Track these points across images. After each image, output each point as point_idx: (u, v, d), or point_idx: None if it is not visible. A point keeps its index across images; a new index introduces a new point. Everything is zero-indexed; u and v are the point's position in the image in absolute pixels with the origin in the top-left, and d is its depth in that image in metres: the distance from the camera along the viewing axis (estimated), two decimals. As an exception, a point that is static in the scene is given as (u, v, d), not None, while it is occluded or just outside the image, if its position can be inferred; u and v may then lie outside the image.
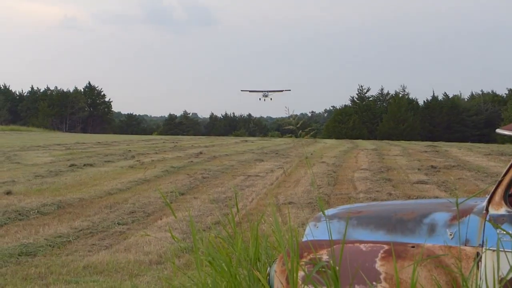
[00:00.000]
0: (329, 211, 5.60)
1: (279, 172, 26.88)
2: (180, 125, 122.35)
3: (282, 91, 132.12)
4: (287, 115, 5.64)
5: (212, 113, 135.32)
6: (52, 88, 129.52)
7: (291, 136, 5.99)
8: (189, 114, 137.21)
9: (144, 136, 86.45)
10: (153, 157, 36.33)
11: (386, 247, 4.78)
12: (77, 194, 18.62)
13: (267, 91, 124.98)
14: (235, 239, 5.58)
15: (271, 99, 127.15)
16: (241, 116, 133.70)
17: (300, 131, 5.57)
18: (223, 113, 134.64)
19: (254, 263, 5.28)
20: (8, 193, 18.41)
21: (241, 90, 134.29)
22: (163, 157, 36.52)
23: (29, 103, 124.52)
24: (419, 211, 5.15)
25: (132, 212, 15.71)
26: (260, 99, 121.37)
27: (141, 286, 8.72)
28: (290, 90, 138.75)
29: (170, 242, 11.63)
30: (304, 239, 5.47)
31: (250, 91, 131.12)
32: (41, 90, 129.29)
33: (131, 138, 69.28)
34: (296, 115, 5.90)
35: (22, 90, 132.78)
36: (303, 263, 4.72)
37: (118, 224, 14.15)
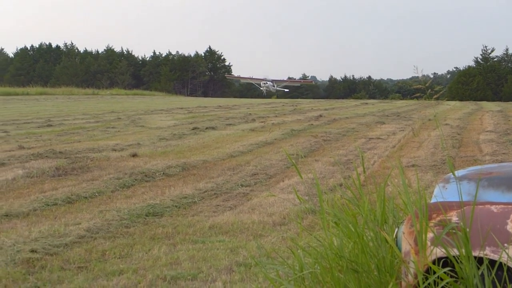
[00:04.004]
0: (459, 172, 5.48)
1: (401, 135, 26.54)
2: (299, 88, 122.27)
3: (300, 81, 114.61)
4: (415, 75, 5.52)
5: (331, 76, 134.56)
6: (173, 52, 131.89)
7: (418, 96, 5.87)
8: (308, 77, 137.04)
9: (264, 99, 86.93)
10: (273, 120, 36.54)
11: (518, 208, 4.63)
12: (200, 156, 18.95)
13: (271, 80, 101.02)
14: (361, 201, 5.54)
15: (286, 89, 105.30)
16: (360, 78, 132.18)
17: (429, 90, 5.44)
18: (343, 76, 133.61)
19: (381, 225, 5.24)
20: (134, 155, 18.90)
21: (226, 75, 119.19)
22: (283, 120, 36.68)
23: (151, 68, 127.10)
24: (553, 172, 4.97)
25: (254, 174, 15.85)
26: (262, 88, 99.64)
27: (266, 246, 8.80)
28: (312, 82, 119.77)
29: (293, 203, 11.69)
30: (433, 200, 5.39)
31: (241, 78, 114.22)
32: (163, 55, 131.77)
33: (251, 102, 69.83)
34: (424, 75, 5.76)
35: (144, 55, 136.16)
36: (432, 224, 4.64)
37: (241, 185, 14.31)
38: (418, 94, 5.77)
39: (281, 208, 11.57)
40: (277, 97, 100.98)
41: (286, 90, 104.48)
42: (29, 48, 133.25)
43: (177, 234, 9.88)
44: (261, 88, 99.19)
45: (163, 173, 15.70)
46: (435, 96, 5.46)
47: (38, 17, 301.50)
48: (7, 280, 7.47)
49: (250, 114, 42.17)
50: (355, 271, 4.96)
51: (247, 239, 9.49)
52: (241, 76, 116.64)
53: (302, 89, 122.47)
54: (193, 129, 28.45)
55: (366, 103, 66.55)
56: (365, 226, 5.26)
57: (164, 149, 20.78)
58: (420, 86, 5.47)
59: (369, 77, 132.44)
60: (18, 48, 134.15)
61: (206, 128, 29.40)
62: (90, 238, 9.53)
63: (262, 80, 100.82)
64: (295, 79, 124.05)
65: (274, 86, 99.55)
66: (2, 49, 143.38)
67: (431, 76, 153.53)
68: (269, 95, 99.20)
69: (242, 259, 8.34)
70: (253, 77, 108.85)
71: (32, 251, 8.56)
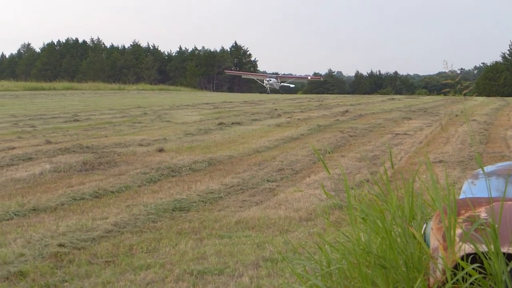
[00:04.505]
0: (487, 168, 5.45)
1: (428, 130, 26.39)
2: (325, 84, 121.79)
3: (307, 77, 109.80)
4: (442, 70, 5.45)
5: (358, 71, 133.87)
6: (199, 48, 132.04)
7: (447, 92, 5.84)
8: (334, 72, 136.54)
9: (290, 95, 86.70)
10: (299, 115, 36.51)
11: (548, 205, 4.58)
12: (226, 151, 18.97)
13: (275, 77, 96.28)
14: (389, 196, 5.52)
15: (292, 85, 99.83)
16: (387, 74, 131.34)
17: (459, 85, 5.41)
18: (369, 71, 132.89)
19: (409, 221, 5.21)
20: (161, 150, 18.97)
21: (226, 71, 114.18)
22: (308, 115, 36.63)
23: (177, 63, 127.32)
24: None
25: (280, 170, 15.84)
26: (265, 85, 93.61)
27: (293, 242, 8.80)
28: (320, 78, 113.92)
29: (320, 199, 11.67)
30: (461, 196, 5.35)
31: (242, 73, 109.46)
32: (189, 50, 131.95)
33: (277, 97, 69.78)
34: (452, 70, 5.72)
35: (170, 51, 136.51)
36: (460, 220, 4.60)
37: (267, 181, 14.31)
38: (446, 90, 5.74)
39: (308, 204, 11.56)
40: (302, 93, 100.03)
41: (291, 85, 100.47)
42: (56, 43, 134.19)
43: (204, 229, 9.90)
44: (265, 85, 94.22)
45: (190, 168, 15.74)
46: (464, 91, 5.42)
47: (65, 12, 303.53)
48: (35, 274, 7.52)
49: (276, 109, 42.15)
50: (383, 267, 4.94)
51: (273, 234, 9.49)
52: (243, 72, 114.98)
53: (328, 84, 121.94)
54: (219, 125, 28.50)
55: (393, 99, 66.14)
56: (393, 222, 5.24)
57: (190, 144, 20.83)
58: (449, 81, 5.43)
59: (396, 73, 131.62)
60: (45, 43, 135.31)
61: (232, 123, 29.44)
62: (118, 232, 9.57)
63: (266, 76, 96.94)
64: (319, 74, 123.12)
65: (278, 82, 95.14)
66: (29, 44, 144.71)
67: (458, 72, 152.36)
68: (273, 92, 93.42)
69: (268, 254, 8.34)
70: (256, 73, 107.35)
71: (60, 245, 8.63)
